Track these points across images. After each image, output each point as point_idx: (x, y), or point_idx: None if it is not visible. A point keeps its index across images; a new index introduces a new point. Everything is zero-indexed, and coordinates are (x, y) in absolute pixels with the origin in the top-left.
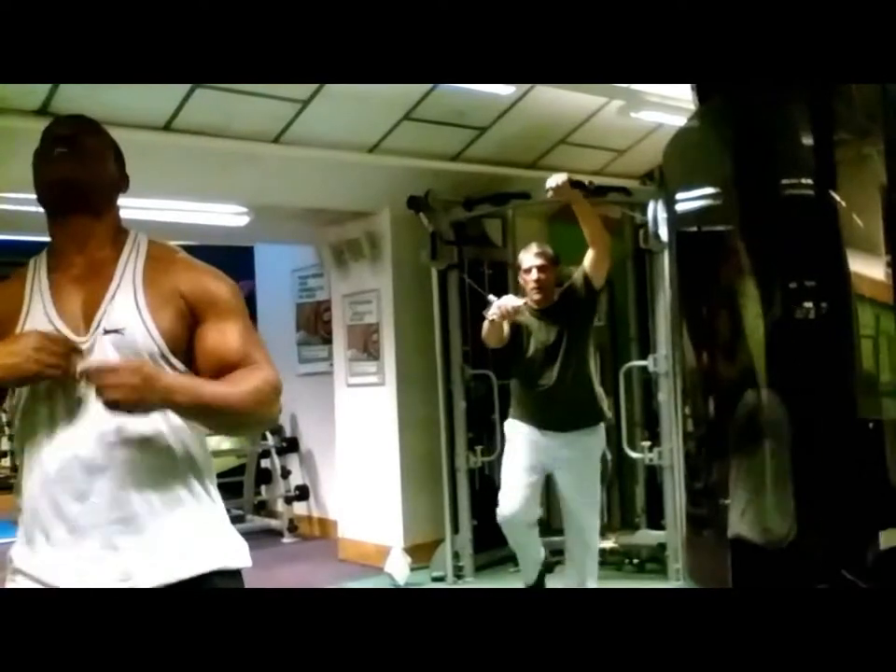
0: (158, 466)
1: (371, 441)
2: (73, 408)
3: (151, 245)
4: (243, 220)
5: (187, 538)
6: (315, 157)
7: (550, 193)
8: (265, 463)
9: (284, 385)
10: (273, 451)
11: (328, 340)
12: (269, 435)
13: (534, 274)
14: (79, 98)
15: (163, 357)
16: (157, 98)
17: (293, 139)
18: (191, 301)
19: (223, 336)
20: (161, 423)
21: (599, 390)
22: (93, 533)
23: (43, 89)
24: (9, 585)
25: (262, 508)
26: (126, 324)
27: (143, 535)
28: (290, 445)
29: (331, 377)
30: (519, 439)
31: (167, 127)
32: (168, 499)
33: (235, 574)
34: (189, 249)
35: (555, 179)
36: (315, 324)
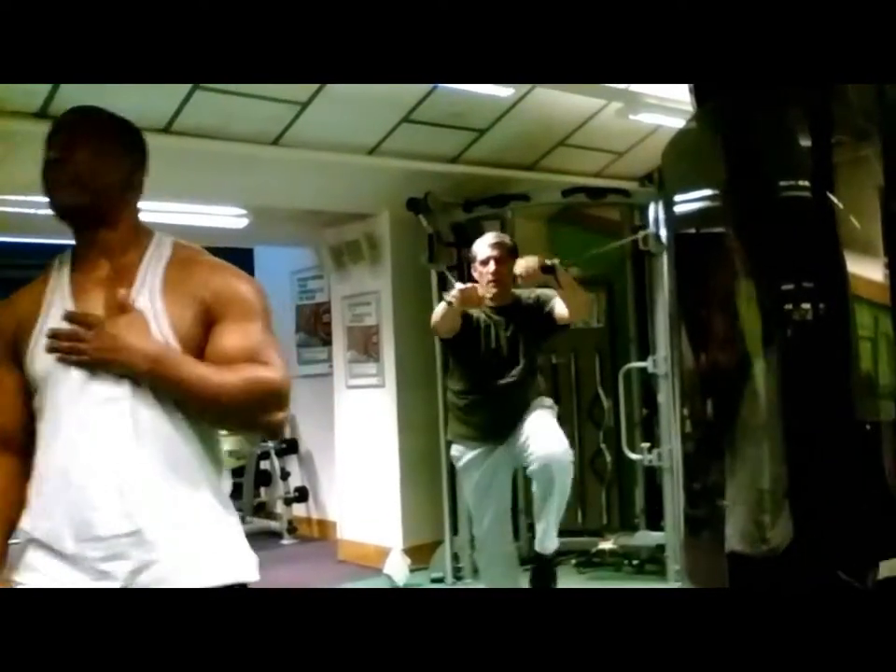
0: (174, 472)
1: (370, 443)
2: (86, 409)
3: (176, 248)
4: (242, 222)
5: (197, 552)
6: (315, 159)
7: (519, 280)
8: (264, 464)
9: None
10: (273, 452)
11: (327, 341)
12: None
13: (491, 266)
14: (79, 99)
15: None
16: (157, 100)
17: (292, 141)
18: (210, 301)
19: (233, 335)
20: (181, 426)
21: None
22: (100, 544)
23: (43, 90)
24: (19, 579)
25: (262, 509)
26: None
27: (152, 546)
28: (290, 447)
29: (331, 379)
30: (474, 471)
31: (167, 129)
32: (181, 509)
33: (241, 588)
34: None
35: (524, 266)
36: (314, 325)
